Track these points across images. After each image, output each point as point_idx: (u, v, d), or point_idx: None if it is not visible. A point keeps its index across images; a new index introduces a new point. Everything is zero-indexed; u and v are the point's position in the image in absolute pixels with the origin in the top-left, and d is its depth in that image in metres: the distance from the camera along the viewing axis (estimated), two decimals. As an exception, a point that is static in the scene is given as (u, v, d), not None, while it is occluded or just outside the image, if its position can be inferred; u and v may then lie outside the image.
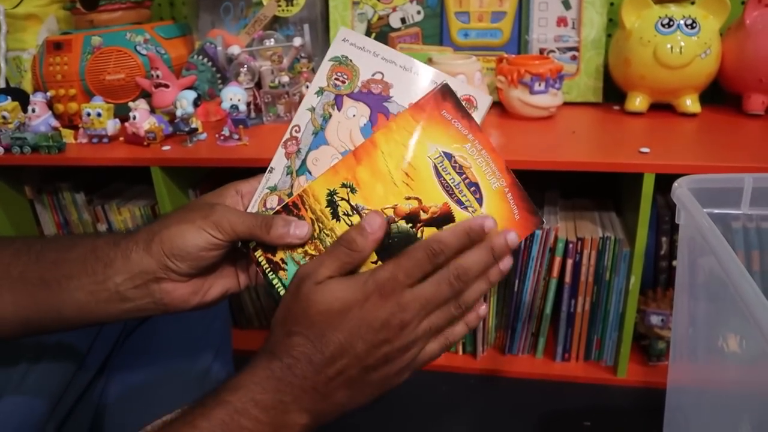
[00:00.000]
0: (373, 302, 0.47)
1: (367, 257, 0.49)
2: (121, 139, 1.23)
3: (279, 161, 0.55)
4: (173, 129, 1.20)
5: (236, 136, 1.16)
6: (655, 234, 1.18)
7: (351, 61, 0.54)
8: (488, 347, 1.28)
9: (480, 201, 0.49)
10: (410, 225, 0.50)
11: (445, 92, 0.51)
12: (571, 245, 1.11)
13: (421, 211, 0.49)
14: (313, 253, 0.52)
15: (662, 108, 1.25)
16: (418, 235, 0.50)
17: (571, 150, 1.06)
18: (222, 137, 1.17)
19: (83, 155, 1.18)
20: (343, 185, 0.51)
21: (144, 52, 1.29)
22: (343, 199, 0.51)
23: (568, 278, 1.14)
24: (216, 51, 1.30)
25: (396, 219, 0.50)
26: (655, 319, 1.14)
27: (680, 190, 0.80)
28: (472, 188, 0.49)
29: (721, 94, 1.28)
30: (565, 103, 1.30)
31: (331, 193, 0.51)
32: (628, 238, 1.11)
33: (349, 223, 0.51)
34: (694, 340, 0.85)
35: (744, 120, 1.20)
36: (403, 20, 1.38)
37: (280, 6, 1.34)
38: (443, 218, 0.49)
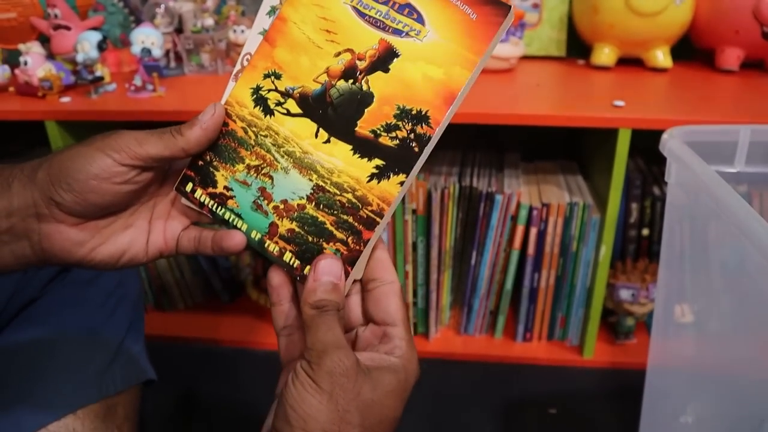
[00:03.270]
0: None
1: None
2: (12, 89, 1.04)
3: None
4: (75, 78, 1.02)
5: (150, 87, 0.99)
6: (624, 200, 1.07)
7: None
8: (442, 327, 1.16)
9: (420, 20, 0.43)
10: (351, 81, 0.43)
11: None
12: (535, 212, 0.99)
13: (357, 61, 0.44)
14: (257, 163, 0.45)
15: (631, 62, 1.15)
16: (364, 87, 0.43)
17: (537, 104, 0.94)
18: (133, 87, 0.99)
19: (-37, 108, 0.99)
20: (266, 76, 0.45)
21: (39, -13, 1.09)
22: (270, 90, 0.45)
23: (531, 249, 1.02)
24: (127, -12, 1.11)
25: (333, 81, 0.44)
26: (624, 294, 1.04)
27: (672, 141, 0.68)
28: (406, 10, 0.43)
29: (689, 50, 1.18)
30: (525, 57, 1.18)
31: (256, 90, 0.45)
32: (597, 204, 1.00)
33: (284, 111, 0.45)
34: (680, 315, 0.75)
35: (717, 76, 1.11)
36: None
37: (203, -61, 1.16)
38: (386, 56, 0.43)
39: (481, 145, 1.16)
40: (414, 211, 1.02)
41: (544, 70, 1.14)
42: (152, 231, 0.47)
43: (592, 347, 1.07)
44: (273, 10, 0.47)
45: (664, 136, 0.70)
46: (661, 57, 1.11)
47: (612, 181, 0.92)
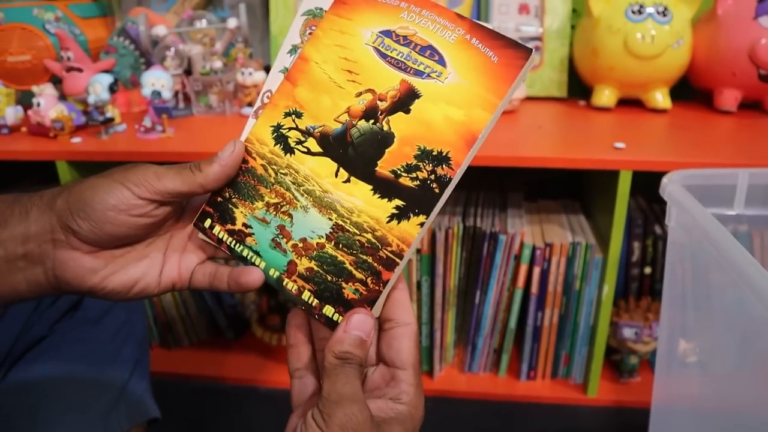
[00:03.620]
0: None
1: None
2: (24, 129, 1.06)
3: None
4: (86, 119, 1.04)
5: (159, 128, 1.01)
6: (626, 239, 1.08)
7: (326, 12, 0.48)
8: (446, 365, 1.16)
9: (441, 62, 0.43)
10: (372, 121, 0.44)
11: None
12: (538, 252, 1.00)
13: (378, 102, 0.44)
14: (276, 201, 0.45)
15: (631, 104, 1.17)
16: (384, 127, 0.43)
17: (539, 145, 0.96)
18: (143, 128, 1.01)
19: (-25, 147, 1.00)
20: (287, 114, 0.46)
21: (53, 30, 1.12)
22: (291, 128, 0.46)
23: (534, 288, 1.03)
24: (138, 32, 1.14)
25: (354, 121, 0.44)
26: (628, 332, 1.04)
27: (672, 186, 0.70)
28: (427, 52, 0.44)
29: (688, 90, 1.21)
30: (528, 98, 1.20)
31: (277, 128, 0.46)
32: (599, 244, 1.01)
33: (305, 150, 0.45)
34: (683, 354, 0.75)
35: (716, 116, 1.12)
36: (351, 5, 1.25)
37: (213, -16, 1.19)
38: (407, 97, 0.43)
39: (484, 185, 1.18)
40: (418, 251, 1.03)
41: (546, 111, 1.16)
42: (167, 263, 0.47)
43: (596, 385, 1.07)
44: (294, 49, 0.48)
45: (664, 180, 0.71)
46: (661, 98, 1.13)
47: (614, 221, 0.93)
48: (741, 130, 1.05)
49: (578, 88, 1.23)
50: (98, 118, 1.01)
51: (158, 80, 1.02)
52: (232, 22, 1.14)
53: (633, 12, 1.07)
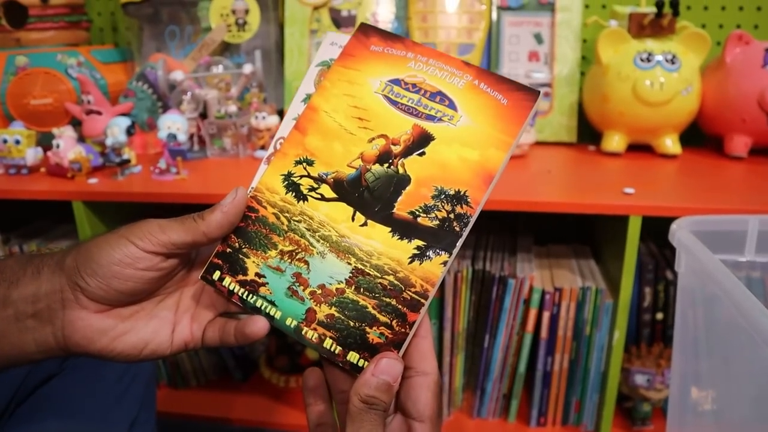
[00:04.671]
0: None
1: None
2: (43, 170, 1.08)
3: None
4: (103, 160, 1.06)
5: (174, 170, 1.03)
6: (637, 284, 1.07)
7: (333, 63, 0.49)
8: (454, 410, 1.14)
9: (452, 106, 0.45)
10: (386, 165, 0.45)
11: (365, 30, 0.49)
12: (547, 296, 1.00)
13: (391, 146, 0.45)
14: (291, 248, 0.44)
15: (640, 149, 1.17)
16: (400, 170, 0.44)
17: (549, 190, 0.96)
18: (158, 170, 1.03)
19: (-5, 187, 1.03)
20: (297, 162, 0.46)
21: (75, 75, 1.15)
22: (302, 176, 0.46)
23: (544, 333, 1.02)
24: (157, 76, 1.17)
25: (368, 166, 0.45)
26: (640, 379, 1.03)
27: (681, 232, 0.70)
28: (437, 98, 0.45)
29: (698, 136, 1.21)
30: (537, 143, 1.21)
31: (287, 176, 0.46)
32: (610, 289, 1.00)
33: (318, 196, 0.45)
34: (696, 402, 0.74)
35: (726, 162, 1.13)
36: (364, 51, 1.27)
37: (230, 31, 1.22)
38: (420, 140, 0.45)
39: (494, 229, 1.18)
40: (428, 293, 1.03)
41: (556, 156, 1.17)
42: (178, 323, 0.47)
43: (608, 433, 1.05)
44: (308, 98, 0.48)
45: (673, 226, 0.71)
46: (670, 144, 1.14)
47: (624, 266, 0.93)
48: (751, 176, 1.05)
49: (588, 133, 1.24)
50: (115, 159, 1.03)
51: (174, 123, 1.04)
52: (247, 68, 1.17)
53: (642, 60, 1.08)
